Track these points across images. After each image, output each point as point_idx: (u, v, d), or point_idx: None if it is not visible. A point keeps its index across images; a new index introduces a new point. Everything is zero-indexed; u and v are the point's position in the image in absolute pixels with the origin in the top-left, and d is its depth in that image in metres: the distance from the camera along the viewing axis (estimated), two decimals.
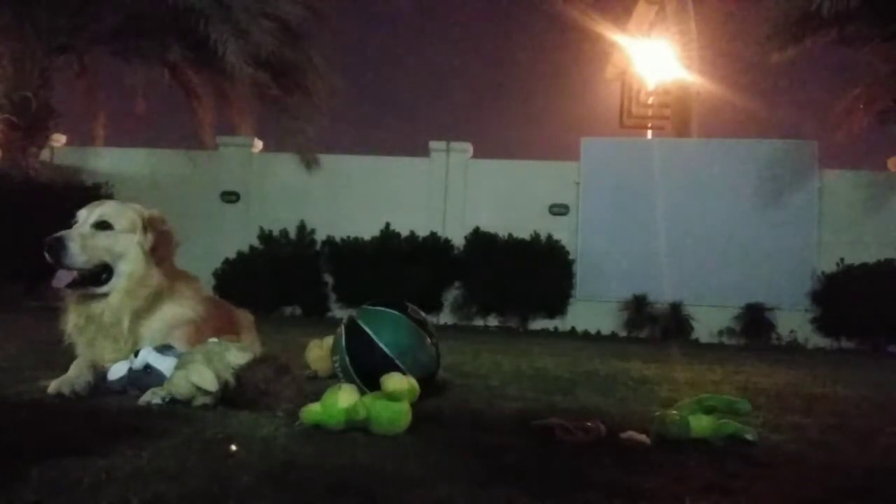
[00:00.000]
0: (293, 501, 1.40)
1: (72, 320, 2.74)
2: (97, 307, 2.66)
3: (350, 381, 2.58)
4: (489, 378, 3.61)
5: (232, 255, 10.28)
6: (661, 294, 9.78)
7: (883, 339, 9.14)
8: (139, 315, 2.68)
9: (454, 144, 11.08)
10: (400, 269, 9.43)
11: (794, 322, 9.59)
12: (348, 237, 10.29)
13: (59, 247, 2.58)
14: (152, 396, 2.34)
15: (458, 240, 10.18)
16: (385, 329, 2.74)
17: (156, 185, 10.22)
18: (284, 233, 10.53)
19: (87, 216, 2.70)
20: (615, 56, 17.34)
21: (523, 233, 9.98)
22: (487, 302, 9.93)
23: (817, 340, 9.54)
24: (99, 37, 9.85)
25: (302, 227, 10.58)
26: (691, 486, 1.65)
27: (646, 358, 5.71)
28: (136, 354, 2.52)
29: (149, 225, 2.76)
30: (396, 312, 2.83)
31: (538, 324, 10.01)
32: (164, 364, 2.46)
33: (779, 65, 9.99)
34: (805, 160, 10.23)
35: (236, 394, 2.31)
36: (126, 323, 2.66)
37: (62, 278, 2.61)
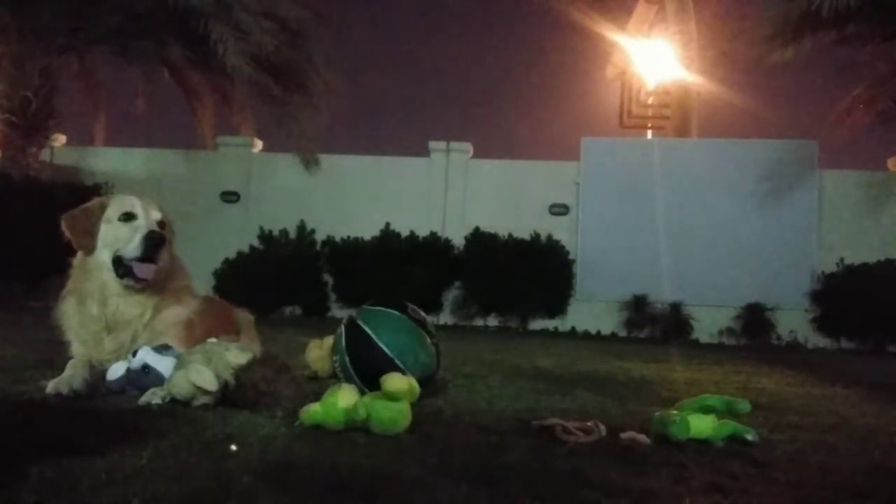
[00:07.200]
0: (293, 501, 1.40)
1: (73, 316, 2.74)
2: (114, 303, 2.68)
3: (350, 381, 2.58)
4: (489, 378, 3.60)
5: (232, 255, 10.27)
6: (661, 294, 9.77)
7: (883, 339, 9.13)
8: (159, 310, 2.75)
9: (454, 144, 11.07)
10: (400, 269, 9.42)
11: (794, 322, 9.58)
12: (348, 237, 10.28)
13: (162, 244, 2.69)
14: (152, 396, 2.34)
15: (458, 240, 10.17)
16: (385, 329, 2.74)
17: (156, 185, 10.18)
18: (284, 233, 10.53)
19: (146, 214, 2.75)
20: (615, 56, 17.33)
21: (523, 233, 9.97)
22: (487, 302, 9.92)
23: (817, 340, 9.53)
24: (99, 37, 9.84)
25: (302, 227, 10.57)
26: (691, 486, 1.65)
27: (646, 358, 5.71)
28: (133, 354, 2.52)
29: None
30: (396, 312, 2.83)
31: (538, 324, 10.00)
32: (163, 364, 2.47)
33: (779, 65, 9.98)
34: (805, 160, 10.22)
35: (236, 394, 2.31)
36: (147, 318, 2.71)
37: (150, 270, 2.67)
